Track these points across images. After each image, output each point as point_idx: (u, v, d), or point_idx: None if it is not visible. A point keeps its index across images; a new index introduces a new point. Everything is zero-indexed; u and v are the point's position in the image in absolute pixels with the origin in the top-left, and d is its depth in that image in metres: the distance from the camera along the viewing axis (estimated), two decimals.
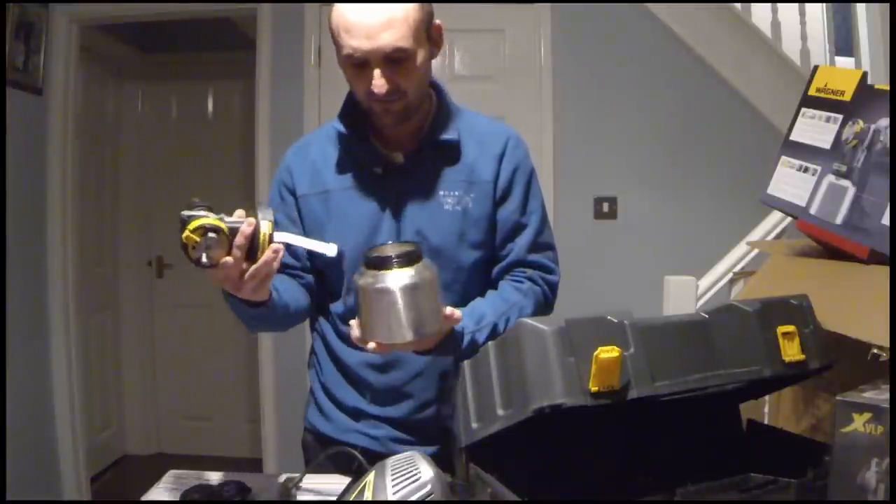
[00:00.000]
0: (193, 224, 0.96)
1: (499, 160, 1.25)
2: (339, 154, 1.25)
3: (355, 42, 1.10)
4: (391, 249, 1.00)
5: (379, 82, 1.11)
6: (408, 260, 0.97)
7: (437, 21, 1.19)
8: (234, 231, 0.98)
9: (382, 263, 0.97)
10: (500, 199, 1.25)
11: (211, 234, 0.96)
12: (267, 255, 1.00)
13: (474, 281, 1.26)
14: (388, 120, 1.18)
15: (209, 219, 0.96)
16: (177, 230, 0.96)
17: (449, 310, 1.05)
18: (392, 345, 1.01)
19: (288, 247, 1.27)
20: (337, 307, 1.27)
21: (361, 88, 1.15)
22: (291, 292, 1.21)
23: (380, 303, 0.98)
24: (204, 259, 0.96)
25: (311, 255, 1.27)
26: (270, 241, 1.00)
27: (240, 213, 1.02)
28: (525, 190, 1.27)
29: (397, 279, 0.97)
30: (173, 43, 3.77)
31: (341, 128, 1.24)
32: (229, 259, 0.98)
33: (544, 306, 1.26)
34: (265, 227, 0.99)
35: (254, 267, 1.00)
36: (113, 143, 3.77)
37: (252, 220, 0.99)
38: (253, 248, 0.99)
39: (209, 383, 3.80)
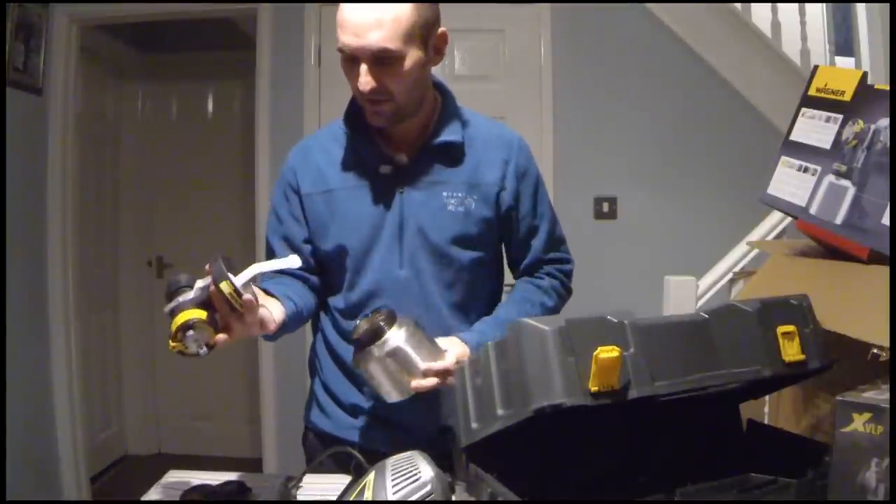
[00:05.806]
0: (173, 326, 0.93)
1: (504, 166, 1.26)
2: (344, 153, 1.26)
3: (345, 38, 1.11)
4: (359, 328, 1.08)
5: (364, 80, 1.11)
6: (375, 335, 1.06)
7: (443, 29, 1.17)
8: (206, 301, 0.96)
9: (358, 344, 1.08)
10: (509, 205, 1.27)
11: (189, 332, 0.93)
12: (247, 303, 0.96)
13: (476, 279, 1.27)
14: (375, 121, 1.18)
15: (185, 314, 0.94)
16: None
17: (447, 342, 1.12)
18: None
19: (295, 247, 1.27)
20: (337, 302, 1.28)
21: (352, 84, 1.16)
22: (303, 297, 1.22)
23: (373, 374, 1.09)
24: (202, 351, 0.94)
25: (315, 253, 1.27)
26: (237, 291, 0.94)
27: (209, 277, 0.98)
28: (534, 194, 1.30)
29: (369, 357, 1.07)
30: (173, 43, 3.76)
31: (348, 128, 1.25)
32: (222, 336, 0.96)
33: (564, 296, 1.34)
34: (225, 288, 0.93)
35: (245, 317, 0.97)
36: (113, 143, 3.77)
37: (210, 287, 0.95)
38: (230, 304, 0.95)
39: (209, 383, 3.79)
